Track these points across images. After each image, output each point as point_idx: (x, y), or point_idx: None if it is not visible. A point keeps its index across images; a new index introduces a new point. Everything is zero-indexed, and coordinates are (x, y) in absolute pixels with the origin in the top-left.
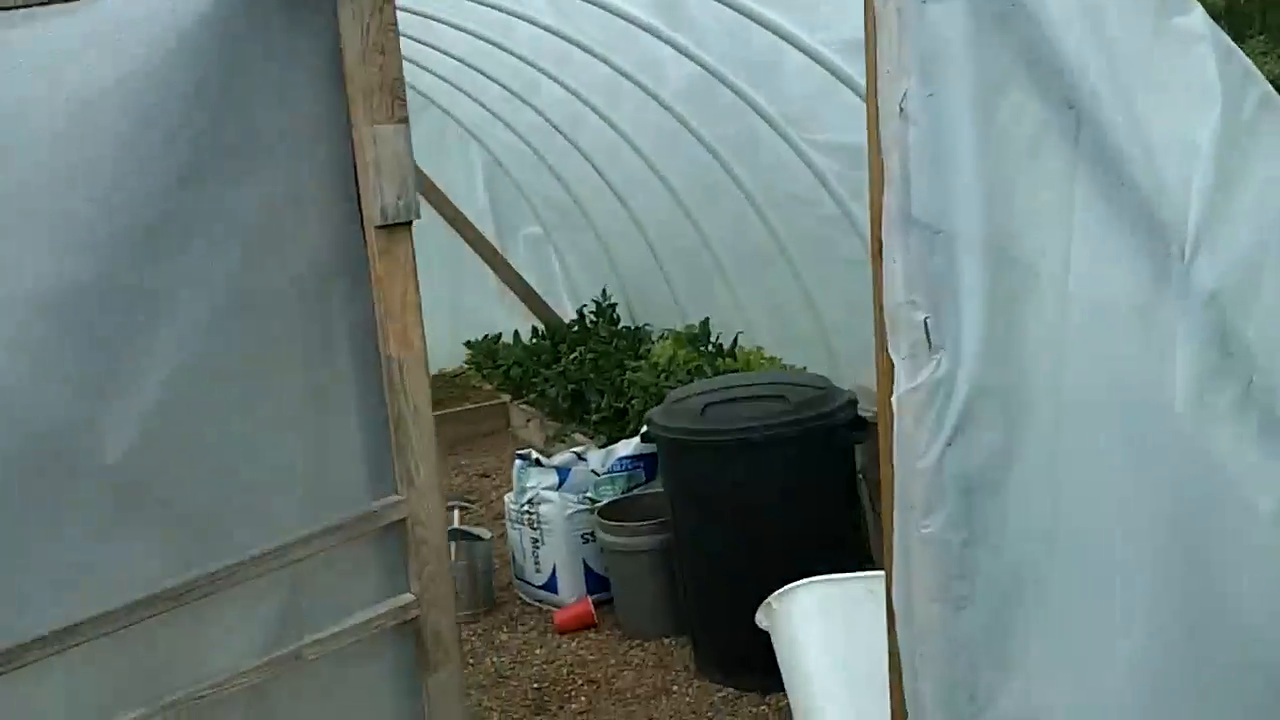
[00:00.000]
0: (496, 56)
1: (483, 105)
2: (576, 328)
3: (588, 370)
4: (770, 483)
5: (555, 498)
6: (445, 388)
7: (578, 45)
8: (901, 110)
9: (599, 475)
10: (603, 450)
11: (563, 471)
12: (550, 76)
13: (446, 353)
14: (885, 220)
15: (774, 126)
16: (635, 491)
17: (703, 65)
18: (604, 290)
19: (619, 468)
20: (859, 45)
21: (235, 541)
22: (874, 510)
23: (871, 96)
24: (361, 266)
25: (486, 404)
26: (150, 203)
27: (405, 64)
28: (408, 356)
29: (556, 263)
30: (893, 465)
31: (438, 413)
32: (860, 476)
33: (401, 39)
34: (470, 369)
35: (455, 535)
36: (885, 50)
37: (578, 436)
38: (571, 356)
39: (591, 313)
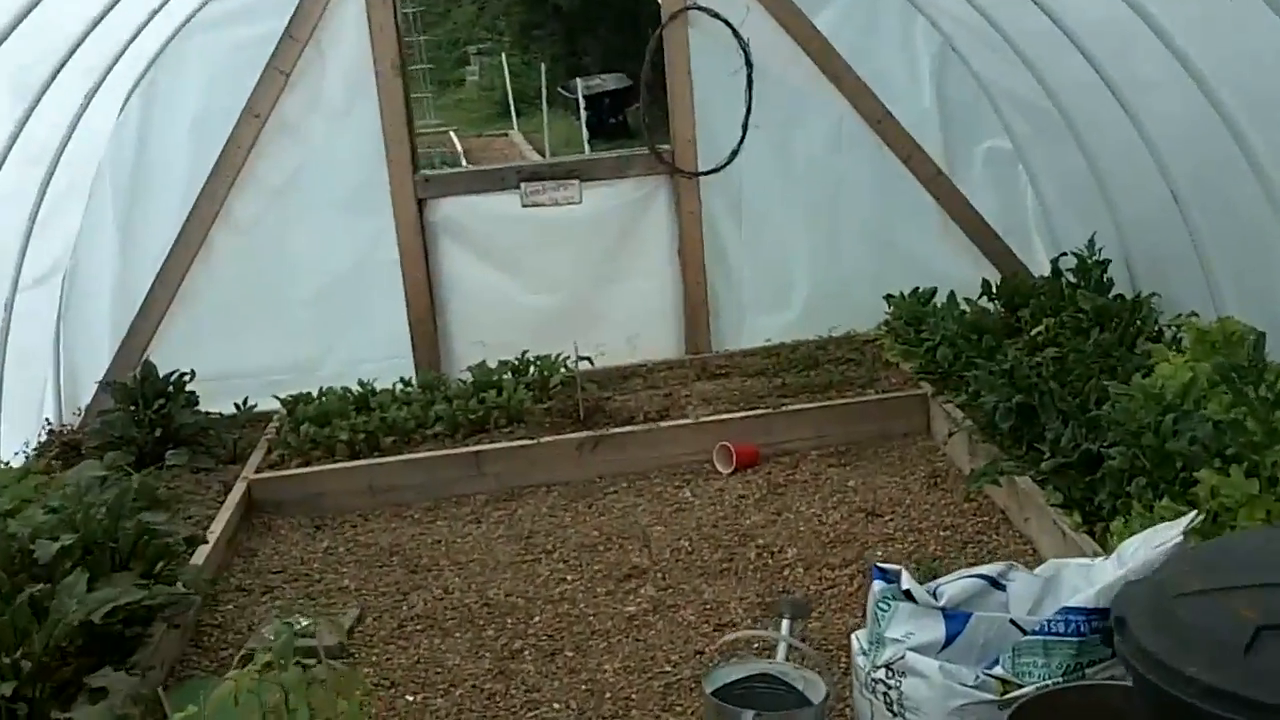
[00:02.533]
0: None
1: None
2: (1046, 289)
3: (1048, 375)
4: None
5: (933, 670)
6: (845, 362)
7: None
8: None
9: (1024, 633)
10: (1036, 576)
11: (954, 619)
12: None
13: (862, 307)
14: None
15: None
16: (1092, 676)
17: None
18: (1092, 239)
19: (1062, 626)
20: None
21: None
22: None
23: None
24: None
25: (897, 394)
26: None
27: None
28: None
29: (1029, 192)
30: None
31: (821, 404)
32: None
33: None
34: (886, 335)
35: (761, 686)
36: None
37: (1021, 484)
38: (1034, 331)
39: (1070, 269)
